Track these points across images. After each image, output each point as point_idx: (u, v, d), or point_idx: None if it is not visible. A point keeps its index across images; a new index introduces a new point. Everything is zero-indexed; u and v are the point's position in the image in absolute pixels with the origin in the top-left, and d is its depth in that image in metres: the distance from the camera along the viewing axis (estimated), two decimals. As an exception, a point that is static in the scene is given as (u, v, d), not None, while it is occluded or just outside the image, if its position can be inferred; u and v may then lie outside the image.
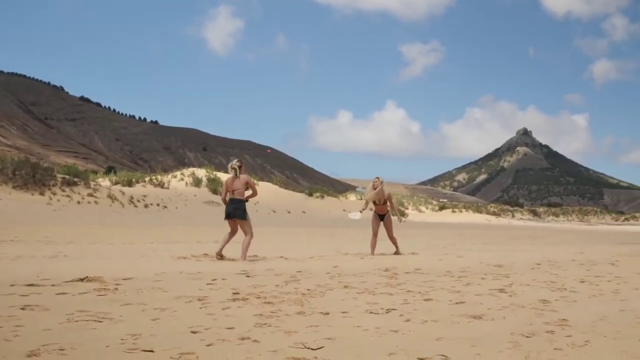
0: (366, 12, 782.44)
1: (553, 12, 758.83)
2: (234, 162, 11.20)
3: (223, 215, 11.30)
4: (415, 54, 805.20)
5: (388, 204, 13.32)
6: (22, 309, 5.27)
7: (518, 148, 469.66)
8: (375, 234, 13.27)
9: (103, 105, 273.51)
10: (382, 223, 13.26)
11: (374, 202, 13.23)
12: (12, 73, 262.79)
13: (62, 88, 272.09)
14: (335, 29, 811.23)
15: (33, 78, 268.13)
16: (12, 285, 6.53)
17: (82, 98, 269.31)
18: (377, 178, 13.30)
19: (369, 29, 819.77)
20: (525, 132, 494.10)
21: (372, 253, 13.02)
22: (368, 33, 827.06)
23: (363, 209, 13.42)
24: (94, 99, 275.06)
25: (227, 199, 11.01)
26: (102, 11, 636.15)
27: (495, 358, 4.08)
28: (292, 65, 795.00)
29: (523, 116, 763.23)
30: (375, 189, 13.14)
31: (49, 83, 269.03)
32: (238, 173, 11.08)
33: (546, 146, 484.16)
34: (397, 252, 13.24)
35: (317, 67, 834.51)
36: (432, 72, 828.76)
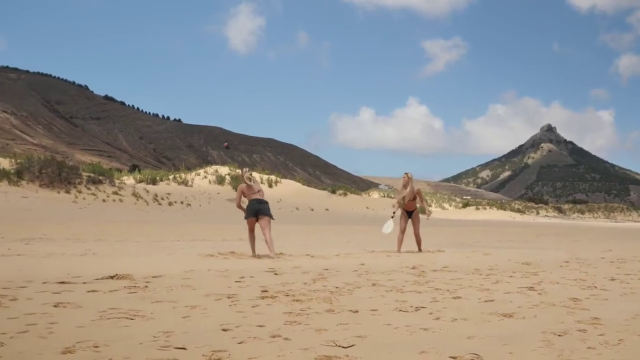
0: (388, 8, 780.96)
1: (577, 7, 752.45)
2: (247, 173, 11.31)
3: (236, 212, 11.49)
4: (437, 50, 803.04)
5: (418, 199, 13.18)
6: (54, 306, 5.33)
7: (542, 144, 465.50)
8: (402, 231, 13.14)
9: (127, 104, 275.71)
10: (410, 220, 13.15)
11: (405, 198, 13.13)
12: (38, 73, 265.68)
13: (86, 87, 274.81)
14: (357, 26, 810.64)
15: (58, 77, 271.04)
16: (44, 283, 6.60)
17: (106, 97, 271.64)
18: (406, 174, 13.13)
19: (391, 25, 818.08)
20: (550, 129, 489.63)
21: (399, 250, 12.90)
22: (390, 30, 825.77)
23: (394, 212, 13.33)
24: (118, 98, 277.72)
25: (252, 199, 11.06)
26: (126, 11, 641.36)
27: (528, 357, 4.05)
28: (314, 62, 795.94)
29: (547, 112, 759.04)
30: (405, 186, 13.02)
31: (74, 82, 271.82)
32: (253, 181, 11.24)
33: (571, 142, 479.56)
34: (419, 250, 13.14)
35: (338, 64, 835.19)
36: (455, 68, 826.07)
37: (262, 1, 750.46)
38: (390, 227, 13.52)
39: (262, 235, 11.14)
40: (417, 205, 13.25)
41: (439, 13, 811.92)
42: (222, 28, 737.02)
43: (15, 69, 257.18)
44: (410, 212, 13.17)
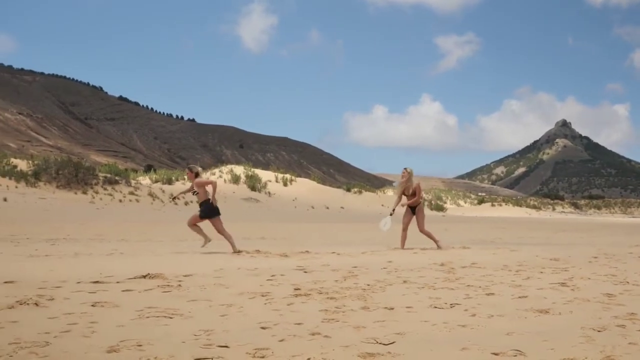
0: (400, 5, 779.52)
1: (592, 0, 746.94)
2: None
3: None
4: (450, 46, 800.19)
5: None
6: (92, 305, 5.37)
7: (557, 140, 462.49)
8: (404, 228, 13.02)
9: (141, 105, 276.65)
10: (414, 217, 13.07)
11: (404, 194, 13.07)
12: (53, 74, 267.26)
13: (101, 88, 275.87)
14: (369, 23, 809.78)
15: (73, 79, 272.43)
16: (78, 283, 6.65)
17: (120, 98, 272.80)
18: (405, 169, 13.06)
19: (403, 22, 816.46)
20: (565, 124, 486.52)
21: (402, 247, 12.82)
22: (402, 26, 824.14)
23: (394, 209, 13.24)
24: (132, 99, 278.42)
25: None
26: (138, 12, 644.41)
27: (570, 352, 4.02)
28: (327, 60, 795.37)
29: (562, 107, 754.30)
30: (405, 180, 12.92)
31: (88, 83, 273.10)
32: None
33: (586, 137, 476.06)
34: (438, 247, 12.87)
35: (351, 62, 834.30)
36: (468, 64, 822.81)
37: (274, 0, 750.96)
38: (387, 224, 13.35)
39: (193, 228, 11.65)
40: (421, 200, 13.13)
41: (452, 8, 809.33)
42: (235, 27, 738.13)
43: (30, 71, 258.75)
44: (413, 207, 13.09)
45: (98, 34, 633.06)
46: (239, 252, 11.06)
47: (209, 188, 11.50)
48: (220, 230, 11.38)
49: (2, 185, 37.82)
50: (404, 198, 13.14)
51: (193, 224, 11.62)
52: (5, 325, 4.48)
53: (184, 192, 12.72)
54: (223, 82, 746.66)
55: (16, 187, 38.52)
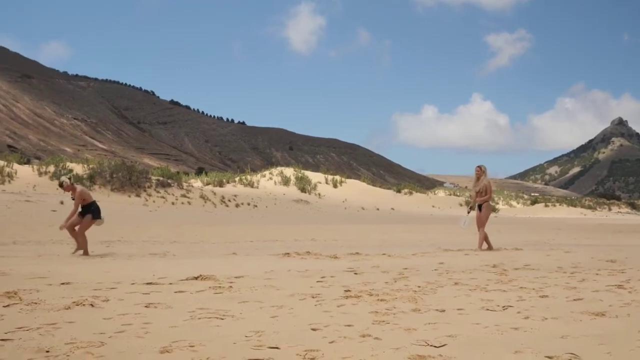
0: (449, 2, 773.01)
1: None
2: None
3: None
4: (501, 43, 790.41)
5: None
6: (146, 306, 5.45)
7: (613, 139, 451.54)
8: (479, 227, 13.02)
9: (192, 108, 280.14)
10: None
11: (477, 192, 13.01)
12: (106, 80, 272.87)
13: (153, 93, 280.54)
14: (417, 22, 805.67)
15: (126, 84, 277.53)
16: (132, 284, 6.77)
17: (172, 102, 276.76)
18: (479, 167, 13.02)
19: (453, 20, 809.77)
20: (621, 122, 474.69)
21: (480, 247, 12.73)
22: (452, 24, 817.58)
23: (471, 207, 13.19)
24: (183, 103, 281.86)
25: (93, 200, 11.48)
26: (187, 17, 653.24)
27: (628, 357, 3.94)
28: (375, 61, 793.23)
29: (618, 105, 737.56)
30: (478, 178, 12.93)
31: (140, 88, 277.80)
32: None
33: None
34: (478, 248, 12.72)
35: (400, 62, 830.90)
36: (520, 62, 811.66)
37: (321, 0, 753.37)
38: (466, 222, 13.39)
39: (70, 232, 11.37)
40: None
41: (502, 5, 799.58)
42: (283, 29, 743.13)
43: (85, 77, 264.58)
44: (480, 205, 13.01)
45: (149, 39, 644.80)
46: (80, 252, 11.07)
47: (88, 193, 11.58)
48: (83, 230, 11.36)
49: (59, 189, 38.72)
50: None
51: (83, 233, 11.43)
52: (62, 326, 4.58)
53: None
54: (272, 84, 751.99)
55: (72, 190, 39.39)
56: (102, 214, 11.76)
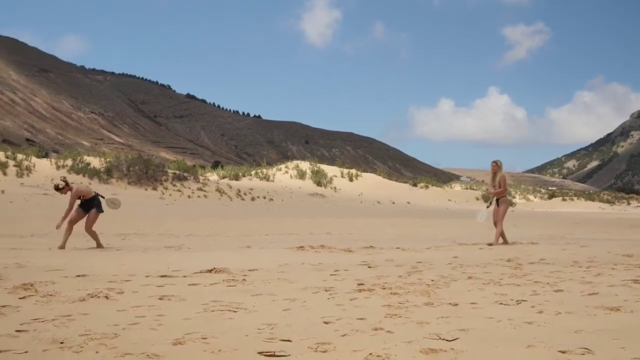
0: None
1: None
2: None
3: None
4: (518, 36, 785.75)
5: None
6: (160, 299, 5.49)
7: (632, 132, 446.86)
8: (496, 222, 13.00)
9: (208, 102, 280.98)
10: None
11: (494, 186, 13.00)
12: (123, 74, 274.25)
13: (169, 87, 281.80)
14: (434, 14, 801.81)
15: (142, 78, 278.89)
16: (146, 276, 6.83)
17: (188, 95, 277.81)
18: (495, 162, 13.01)
19: (469, 12, 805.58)
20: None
21: (496, 242, 12.69)
22: (468, 17, 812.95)
23: (490, 202, 13.18)
24: (199, 96, 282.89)
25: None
26: (202, 12, 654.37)
27: (642, 352, 3.90)
28: (391, 54, 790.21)
29: (637, 98, 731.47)
30: (494, 173, 12.92)
31: (157, 82, 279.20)
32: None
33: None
34: (494, 242, 12.68)
35: (416, 55, 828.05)
36: (537, 54, 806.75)
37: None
38: (484, 216, 13.34)
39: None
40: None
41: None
42: (298, 22, 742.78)
43: (102, 71, 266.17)
44: (497, 199, 13.01)
45: (165, 33, 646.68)
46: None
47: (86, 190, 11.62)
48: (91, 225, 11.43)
49: (77, 182, 39.01)
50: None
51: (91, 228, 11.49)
52: (77, 317, 4.63)
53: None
54: (288, 78, 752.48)
55: (90, 183, 39.68)
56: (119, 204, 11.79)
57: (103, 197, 11.62)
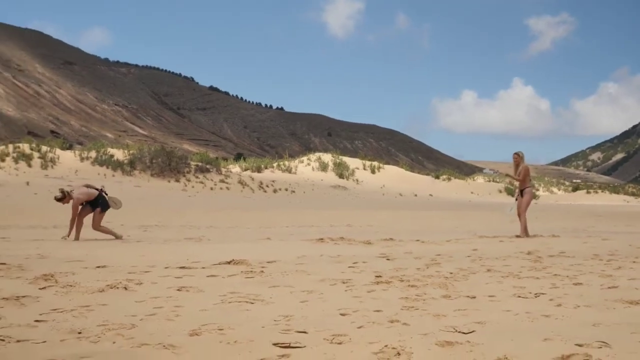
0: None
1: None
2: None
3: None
4: (543, 27, 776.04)
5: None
6: (178, 290, 5.54)
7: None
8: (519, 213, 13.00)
9: (231, 94, 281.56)
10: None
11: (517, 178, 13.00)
12: (147, 66, 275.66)
13: (192, 79, 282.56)
14: (457, 5, 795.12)
15: (166, 70, 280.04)
16: (166, 268, 6.89)
17: (211, 88, 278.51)
18: (517, 154, 13.00)
19: (493, 3, 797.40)
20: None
21: (522, 234, 12.70)
22: (492, 8, 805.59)
23: (517, 195, 13.16)
24: (222, 88, 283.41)
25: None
26: (225, 3, 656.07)
27: (661, 346, 3.86)
28: (414, 45, 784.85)
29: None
30: (516, 165, 12.91)
31: (180, 74, 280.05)
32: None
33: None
34: (522, 234, 12.66)
35: (439, 46, 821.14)
36: (562, 45, 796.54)
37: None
38: (512, 209, 13.33)
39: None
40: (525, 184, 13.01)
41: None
42: (321, 14, 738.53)
43: (126, 64, 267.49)
44: (521, 190, 13.00)
45: (189, 25, 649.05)
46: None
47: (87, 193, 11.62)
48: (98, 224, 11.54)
49: (100, 173, 39.48)
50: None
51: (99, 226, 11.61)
52: (95, 308, 4.68)
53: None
54: (310, 69, 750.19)
55: (113, 175, 40.09)
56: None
57: (107, 194, 11.70)
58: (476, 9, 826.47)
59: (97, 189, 11.62)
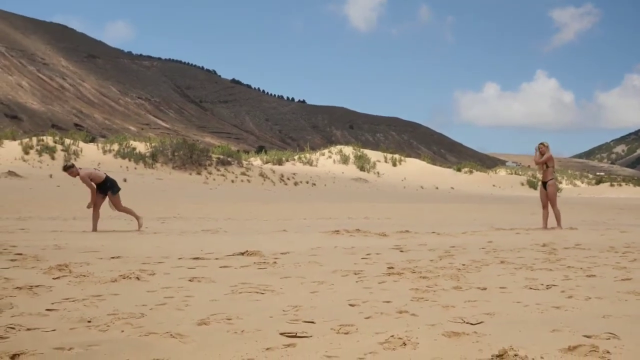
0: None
1: None
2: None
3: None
4: (566, 18, 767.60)
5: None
6: (190, 280, 5.59)
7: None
8: (544, 206, 13.02)
9: (253, 87, 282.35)
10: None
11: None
12: (169, 59, 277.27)
13: (214, 72, 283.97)
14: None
15: (188, 63, 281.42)
16: (179, 259, 6.95)
17: (233, 80, 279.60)
18: (542, 144, 12.96)
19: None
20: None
21: (545, 226, 12.72)
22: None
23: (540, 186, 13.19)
24: (244, 82, 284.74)
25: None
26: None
27: (672, 338, 3.82)
28: (437, 38, 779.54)
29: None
30: (542, 154, 12.88)
31: (202, 67, 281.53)
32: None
33: None
34: (558, 227, 12.67)
35: (462, 38, 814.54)
36: (586, 37, 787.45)
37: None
38: None
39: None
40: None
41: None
42: (342, 6, 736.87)
43: (149, 57, 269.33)
44: (545, 183, 12.95)
45: (211, 19, 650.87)
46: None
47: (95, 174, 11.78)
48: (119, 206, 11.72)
49: (123, 166, 39.85)
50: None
51: (120, 206, 11.77)
52: (107, 297, 4.75)
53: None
54: (332, 62, 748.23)
55: (135, 168, 40.44)
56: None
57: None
58: (499, 1, 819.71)
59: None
